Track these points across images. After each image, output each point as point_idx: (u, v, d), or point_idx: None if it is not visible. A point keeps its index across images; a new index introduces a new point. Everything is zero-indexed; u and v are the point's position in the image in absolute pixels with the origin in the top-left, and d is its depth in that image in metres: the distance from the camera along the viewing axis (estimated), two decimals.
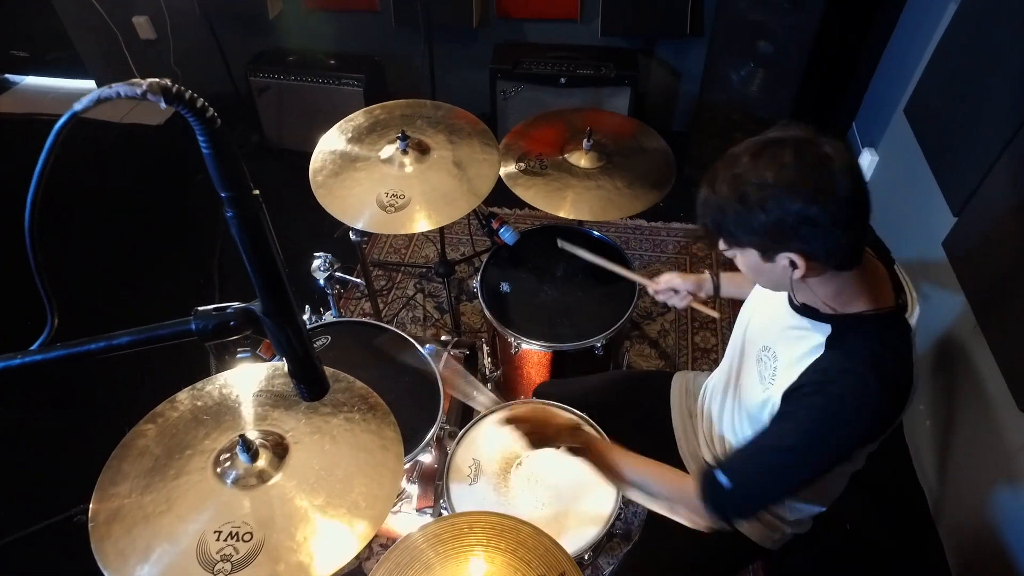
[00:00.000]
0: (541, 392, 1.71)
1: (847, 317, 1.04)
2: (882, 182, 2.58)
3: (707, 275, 1.57)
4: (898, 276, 1.09)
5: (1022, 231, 1.66)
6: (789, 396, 1.08)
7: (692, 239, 1.85)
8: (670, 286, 1.58)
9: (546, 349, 1.78)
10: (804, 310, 1.10)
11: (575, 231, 2.05)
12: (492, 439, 1.50)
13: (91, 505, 0.95)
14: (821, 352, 1.06)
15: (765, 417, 1.17)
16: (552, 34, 3.12)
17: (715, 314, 1.64)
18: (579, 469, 1.43)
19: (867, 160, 2.65)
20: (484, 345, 2.08)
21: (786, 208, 0.92)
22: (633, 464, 1.23)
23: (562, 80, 2.96)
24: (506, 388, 2.06)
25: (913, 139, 2.27)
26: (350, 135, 1.75)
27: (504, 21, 3.12)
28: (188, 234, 2.99)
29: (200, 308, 0.61)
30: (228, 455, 1.01)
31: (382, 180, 1.65)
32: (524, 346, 1.79)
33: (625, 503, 1.43)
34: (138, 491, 0.96)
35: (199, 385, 1.13)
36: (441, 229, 2.58)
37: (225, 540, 0.89)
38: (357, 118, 1.80)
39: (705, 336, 2.57)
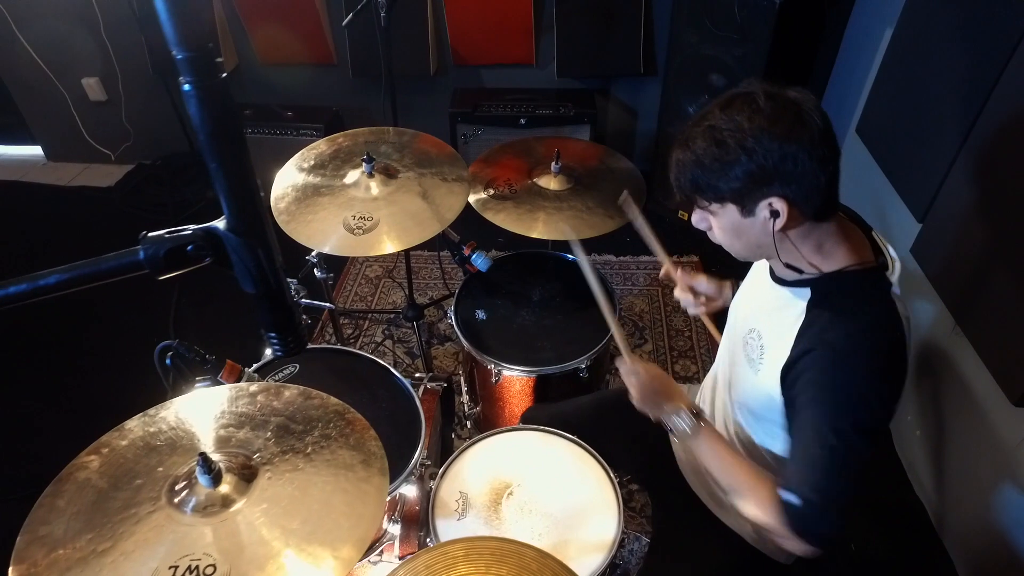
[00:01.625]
0: (529, 417, 1.61)
1: (828, 276, 1.02)
2: (844, 200, 2.63)
3: (728, 286, 1.48)
4: (876, 241, 1.08)
5: (987, 227, 1.68)
6: (788, 376, 1.03)
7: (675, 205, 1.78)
8: (691, 283, 1.48)
9: (528, 374, 1.70)
10: (785, 281, 1.08)
11: (551, 257, 2.01)
12: (478, 470, 1.39)
13: (13, 552, 0.81)
14: (803, 318, 1.03)
15: (761, 402, 1.12)
16: (509, 79, 3.17)
17: (717, 337, 1.50)
18: (575, 495, 1.33)
19: None
20: (462, 383, 1.97)
21: (765, 148, 0.92)
22: (721, 463, 1.13)
23: (522, 121, 2.99)
24: (487, 424, 1.95)
25: (869, 156, 2.33)
26: (312, 163, 1.69)
27: (461, 68, 3.16)
28: (143, 296, 2.85)
29: (150, 233, 0.52)
30: (186, 482, 0.88)
31: (348, 204, 1.59)
32: (505, 373, 1.70)
33: (627, 531, 1.33)
34: (75, 530, 0.82)
35: (151, 411, 1.01)
36: (409, 272, 2.52)
37: (187, 573, 0.76)
38: (319, 146, 1.74)
39: (685, 364, 2.52)
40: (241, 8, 3.00)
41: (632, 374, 1.18)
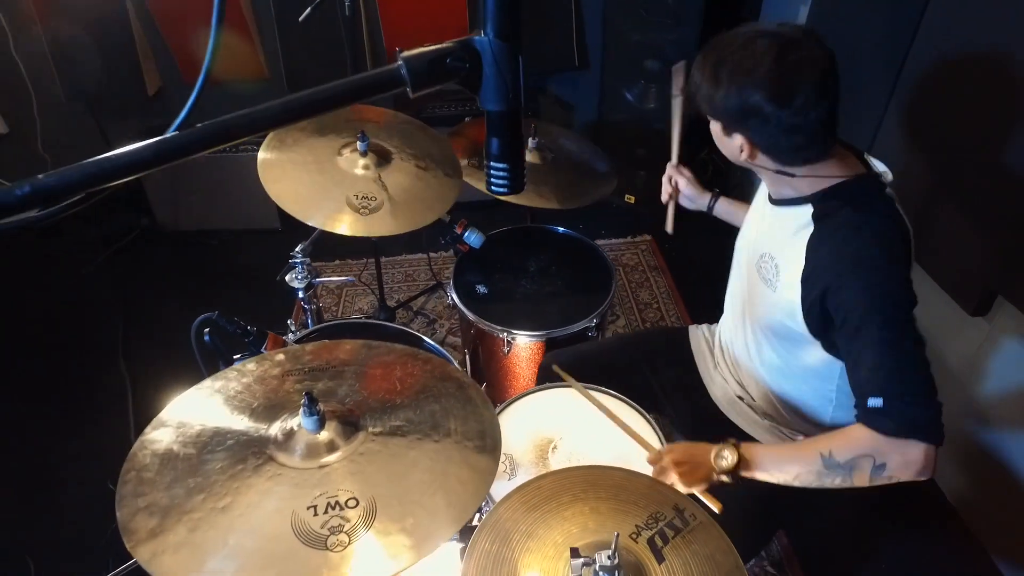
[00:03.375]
0: (555, 360, 1.60)
1: (824, 192, 1.10)
2: None
3: (707, 195, 1.60)
4: (867, 160, 1.16)
5: (923, 164, 1.88)
6: (810, 288, 1.08)
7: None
8: (680, 175, 1.57)
9: (539, 339, 1.71)
10: (782, 200, 1.17)
11: (542, 230, 2.04)
12: (516, 432, 1.39)
13: (119, 526, 0.73)
14: (810, 230, 1.10)
15: (782, 319, 1.17)
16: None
17: (672, 227, 1.60)
18: (617, 440, 1.35)
19: None
20: (466, 364, 1.95)
21: (745, 96, 1.01)
22: (782, 455, 1.14)
23: (467, 119, 3.03)
24: (498, 398, 1.94)
25: None
26: (291, 138, 1.62)
27: None
28: (85, 336, 2.63)
29: (406, 51, 0.50)
30: (283, 431, 0.83)
31: (346, 182, 1.55)
32: (518, 340, 1.71)
33: None
34: (182, 495, 0.76)
35: (207, 383, 0.94)
36: (379, 275, 2.47)
37: (326, 513, 0.72)
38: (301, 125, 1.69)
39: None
40: (163, 25, 2.87)
41: (663, 469, 1.17)
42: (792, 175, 1.09)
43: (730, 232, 1.62)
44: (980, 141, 1.67)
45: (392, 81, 0.50)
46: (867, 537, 1.92)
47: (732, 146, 1.11)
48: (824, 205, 1.09)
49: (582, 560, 0.86)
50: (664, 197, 1.60)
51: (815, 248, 1.09)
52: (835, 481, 1.05)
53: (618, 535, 0.84)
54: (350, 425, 0.85)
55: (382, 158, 1.62)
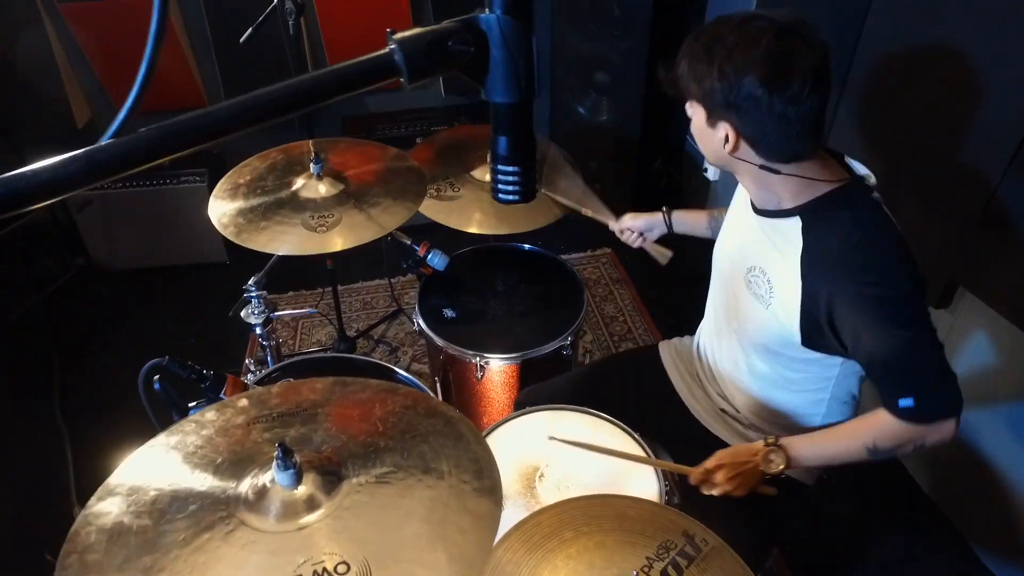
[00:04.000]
0: (525, 400, 1.54)
1: (812, 203, 1.06)
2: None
3: (659, 215, 1.59)
4: (848, 164, 1.14)
5: (876, 149, 1.90)
6: (812, 308, 1.06)
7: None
8: (625, 226, 1.61)
9: (514, 361, 1.64)
10: (768, 212, 1.13)
11: (507, 249, 1.98)
12: (498, 460, 1.30)
13: None
14: (801, 242, 1.07)
15: (775, 336, 1.14)
16: (396, 102, 3.14)
17: (665, 257, 1.62)
18: (604, 461, 1.29)
19: (712, 168, 2.94)
20: (438, 392, 1.86)
21: (738, 80, 0.97)
22: (828, 444, 1.14)
23: (418, 140, 2.95)
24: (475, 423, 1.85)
25: None
26: (247, 180, 1.54)
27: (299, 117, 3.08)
28: (16, 386, 2.42)
29: (396, 33, 0.43)
30: (254, 489, 0.73)
31: (302, 207, 1.46)
32: (492, 364, 1.63)
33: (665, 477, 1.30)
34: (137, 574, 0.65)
35: (159, 440, 0.83)
36: (337, 305, 2.36)
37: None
38: (252, 163, 1.60)
39: (627, 345, 2.58)
40: (92, 55, 2.71)
41: (713, 486, 1.14)
42: (777, 171, 1.05)
43: (685, 239, 1.62)
44: (933, 134, 1.70)
45: (383, 68, 0.43)
46: (855, 540, 1.91)
47: (715, 139, 1.05)
48: (813, 220, 1.06)
49: None
50: (634, 246, 1.62)
51: (810, 266, 1.05)
52: (881, 459, 1.08)
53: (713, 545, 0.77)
54: (331, 476, 0.75)
55: (338, 179, 1.53)
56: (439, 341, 1.65)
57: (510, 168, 0.46)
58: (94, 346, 2.63)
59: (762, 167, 1.05)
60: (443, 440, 0.82)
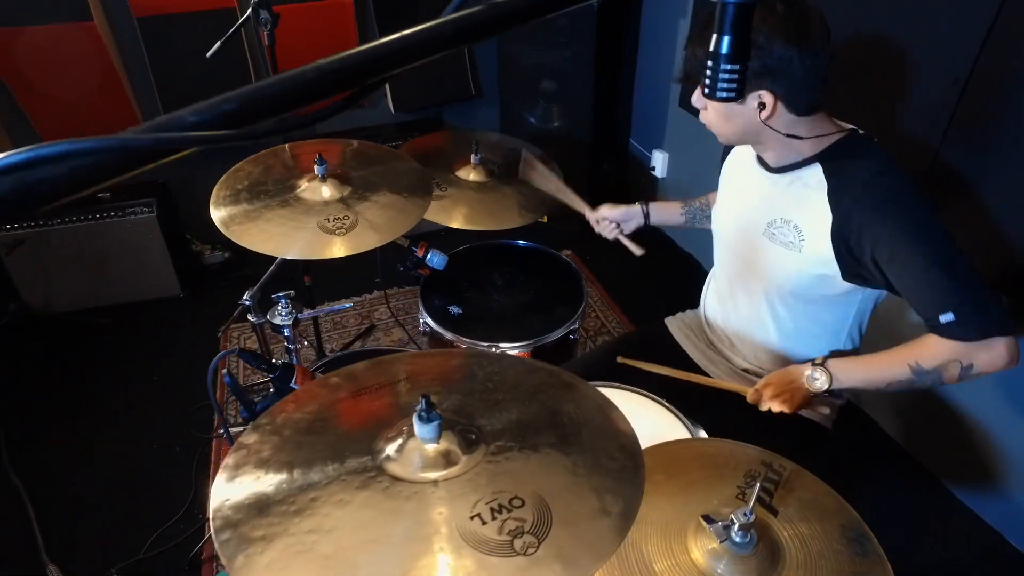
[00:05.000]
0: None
1: (828, 150, 1.18)
2: (681, 168, 3.03)
3: (637, 206, 1.68)
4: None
5: None
6: (845, 238, 1.15)
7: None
8: (603, 216, 1.69)
9: (529, 348, 1.67)
10: (785, 167, 1.23)
11: (500, 246, 2.01)
12: None
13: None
14: (826, 184, 1.18)
15: (810, 278, 1.23)
16: (346, 122, 3.12)
17: (639, 250, 1.67)
18: (637, 426, 1.32)
19: (660, 159, 3.10)
20: None
21: (769, 47, 1.06)
22: (872, 365, 1.21)
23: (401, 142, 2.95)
24: None
25: (697, 123, 2.70)
26: (245, 184, 1.50)
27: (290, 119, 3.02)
28: None
29: None
30: (395, 449, 0.73)
31: (314, 210, 1.44)
32: (507, 352, 1.65)
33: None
34: (286, 516, 0.63)
35: (260, 427, 0.80)
36: (316, 326, 2.30)
37: (494, 520, 0.63)
38: (244, 167, 1.56)
39: (603, 338, 2.65)
40: (15, 86, 2.54)
41: (767, 398, 1.23)
42: (800, 137, 1.15)
43: (641, 233, 1.70)
44: (877, 105, 1.88)
45: None
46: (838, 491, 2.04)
47: (746, 113, 1.13)
48: (833, 162, 1.17)
49: (720, 523, 0.83)
50: (610, 238, 1.70)
51: (839, 200, 1.15)
52: (926, 383, 1.15)
53: (759, 484, 0.81)
54: (466, 431, 0.75)
55: (343, 180, 1.52)
56: (450, 336, 1.65)
57: (731, 67, 0.50)
58: (39, 396, 2.42)
59: (788, 135, 1.15)
60: (553, 391, 0.84)
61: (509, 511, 0.64)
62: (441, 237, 1.88)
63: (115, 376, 2.50)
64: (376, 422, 0.77)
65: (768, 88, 1.10)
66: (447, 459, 0.72)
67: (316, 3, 2.68)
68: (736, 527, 0.82)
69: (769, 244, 1.28)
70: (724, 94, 0.52)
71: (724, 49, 0.50)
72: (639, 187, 3.29)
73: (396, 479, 0.69)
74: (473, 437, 0.73)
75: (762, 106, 1.12)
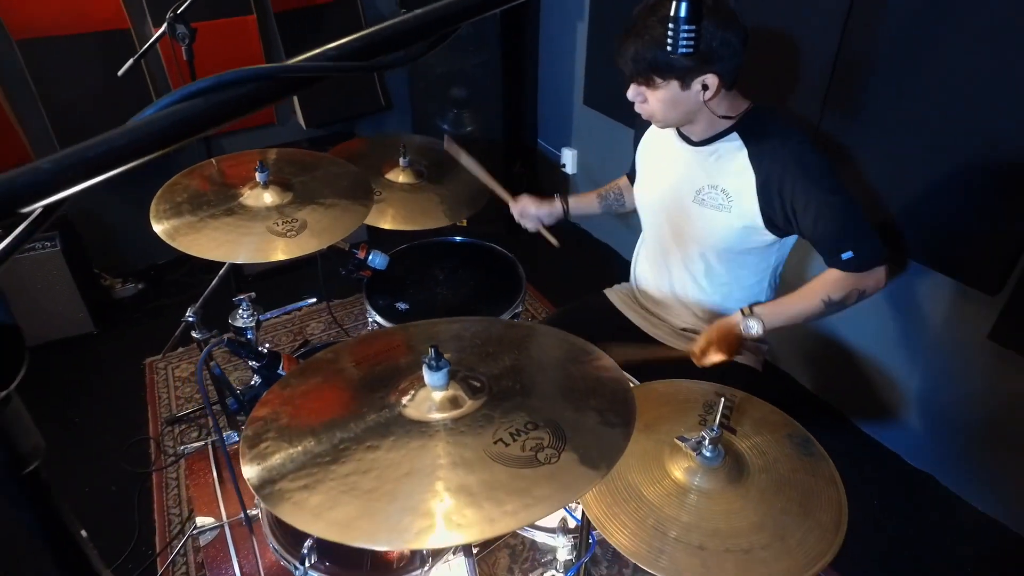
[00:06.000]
0: None
1: (743, 119, 1.36)
2: (590, 163, 3.21)
3: (557, 201, 1.80)
4: None
5: None
6: (767, 194, 1.32)
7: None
8: (525, 209, 1.79)
9: None
10: (707, 139, 1.40)
11: (437, 243, 2.07)
12: None
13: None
14: (746, 149, 1.35)
15: (737, 234, 1.39)
16: (258, 140, 3.07)
17: (555, 242, 1.77)
18: None
19: (569, 156, 3.27)
20: None
21: (713, 33, 1.21)
22: (791, 306, 1.37)
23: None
24: None
25: (602, 117, 2.92)
26: (185, 197, 1.49)
27: (198, 141, 2.95)
28: None
29: None
30: (409, 399, 0.79)
31: (260, 216, 1.46)
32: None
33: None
34: (323, 466, 0.68)
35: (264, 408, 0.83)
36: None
37: (515, 441, 0.70)
38: (180, 181, 1.54)
39: None
40: None
41: (704, 352, 1.35)
42: (729, 117, 1.34)
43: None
44: (761, 83, 2.10)
45: None
46: None
47: (689, 98, 1.28)
48: (749, 129, 1.35)
49: (693, 439, 0.95)
50: (531, 229, 1.80)
51: (759, 161, 1.32)
52: (833, 312, 1.35)
53: (723, 399, 0.94)
54: (469, 378, 0.83)
55: (284, 187, 1.54)
56: None
57: (690, 27, 0.61)
58: None
59: (720, 103, 1.31)
60: (536, 339, 0.93)
61: (526, 433, 0.72)
62: (368, 243, 1.90)
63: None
64: (384, 381, 0.83)
65: (714, 71, 1.24)
66: (455, 402, 0.79)
67: (220, 21, 2.64)
68: (707, 440, 0.94)
69: (700, 209, 1.44)
70: (684, 49, 0.63)
71: (683, 12, 0.62)
72: (552, 185, 3.44)
73: (416, 422, 0.75)
74: (478, 384, 0.81)
75: (705, 87, 1.26)
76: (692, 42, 0.63)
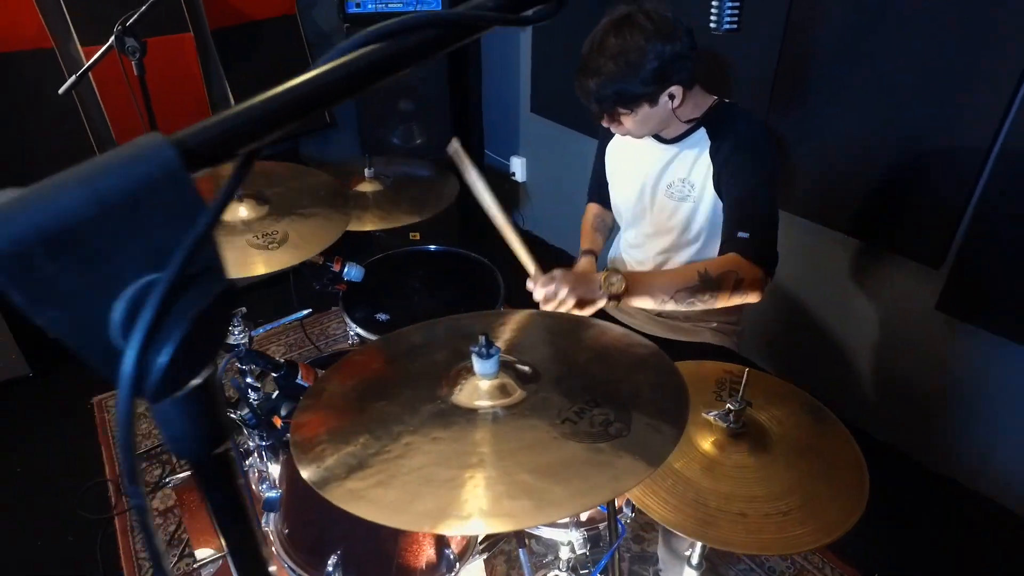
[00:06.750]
0: None
1: (706, 115, 1.43)
2: (540, 170, 3.26)
3: (594, 276, 1.33)
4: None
5: None
6: (720, 180, 1.39)
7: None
8: (559, 287, 1.24)
9: None
10: (678, 137, 1.46)
11: (412, 252, 2.05)
12: None
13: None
14: (710, 143, 1.43)
15: (706, 217, 1.45)
16: None
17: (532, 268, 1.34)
18: None
19: (518, 164, 3.31)
20: None
21: (662, 52, 1.28)
22: (661, 275, 1.37)
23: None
24: None
25: (552, 124, 2.97)
26: None
27: None
28: None
29: None
30: (460, 390, 0.78)
31: (237, 230, 1.40)
32: None
33: None
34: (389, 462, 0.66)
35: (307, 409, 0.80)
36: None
37: (583, 417, 0.70)
38: None
39: None
40: None
41: (552, 289, 1.20)
42: (694, 119, 1.40)
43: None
44: (711, 77, 2.20)
45: None
46: None
47: (660, 111, 1.33)
48: (714, 124, 1.42)
49: (719, 412, 0.97)
50: (551, 308, 1.26)
51: (716, 153, 1.39)
52: (704, 299, 1.26)
53: (747, 370, 0.97)
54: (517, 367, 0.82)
55: (260, 200, 1.49)
56: None
57: (734, 3, 0.63)
58: None
59: (686, 106, 1.37)
60: (577, 328, 0.94)
61: (591, 410, 0.72)
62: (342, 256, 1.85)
63: None
64: (430, 377, 0.81)
65: (675, 82, 1.31)
66: (504, 390, 0.79)
67: (156, 38, 2.53)
68: (733, 412, 0.97)
69: (669, 201, 1.50)
70: (728, 26, 0.66)
71: None
72: (503, 193, 3.46)
73: (473, 410, 0.74)
74: (528, 370, 0.81)
75: (672, 97, 1.33)
76: (736, 17, 0.66)
